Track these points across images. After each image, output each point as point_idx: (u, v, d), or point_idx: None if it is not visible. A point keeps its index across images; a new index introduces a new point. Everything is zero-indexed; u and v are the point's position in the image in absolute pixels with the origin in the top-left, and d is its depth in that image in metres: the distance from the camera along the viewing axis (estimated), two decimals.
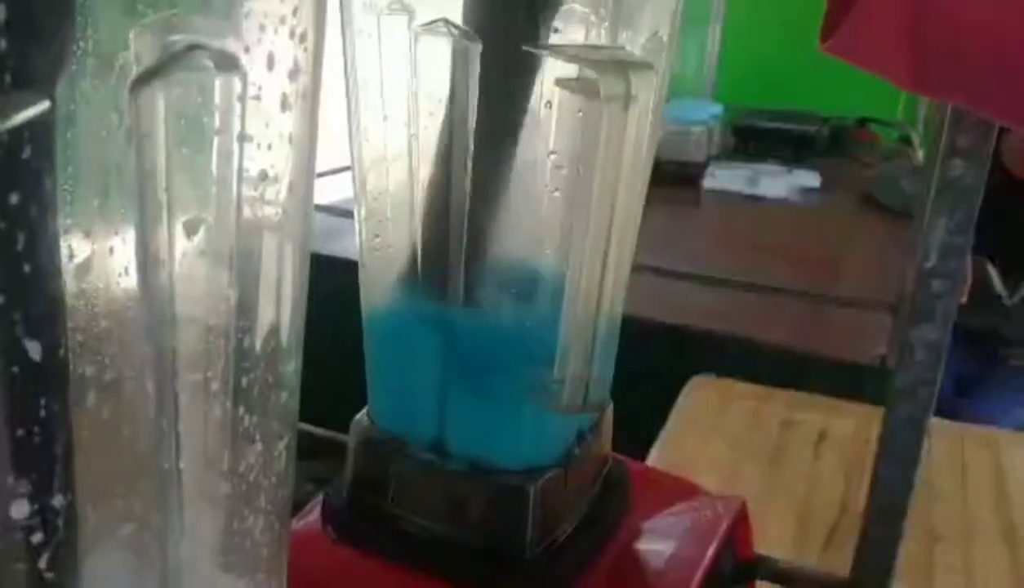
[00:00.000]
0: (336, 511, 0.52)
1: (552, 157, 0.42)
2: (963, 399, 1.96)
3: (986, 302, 1.95)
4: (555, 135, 0.42)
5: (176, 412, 0.25)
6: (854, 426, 1.20)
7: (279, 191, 0.26)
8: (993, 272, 1.97)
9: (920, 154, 2.94)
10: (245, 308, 0.26)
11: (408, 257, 0.47)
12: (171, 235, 0.23)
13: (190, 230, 0.24)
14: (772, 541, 0.94)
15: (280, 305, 0.28)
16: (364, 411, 0.53)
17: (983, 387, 2.03)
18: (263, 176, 0.26)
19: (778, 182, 2.28)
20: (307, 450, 0.88)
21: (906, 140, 3.08)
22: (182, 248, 0.24)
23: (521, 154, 0.43)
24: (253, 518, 0.29)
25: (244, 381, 0.27)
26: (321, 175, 1.19)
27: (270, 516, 0.30)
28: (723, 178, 2.31)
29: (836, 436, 1.18)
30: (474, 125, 0.43)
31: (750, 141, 2.76)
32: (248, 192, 0.25)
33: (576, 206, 0.41)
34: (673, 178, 2.22)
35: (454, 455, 0.49)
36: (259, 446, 0.28)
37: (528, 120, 0.42)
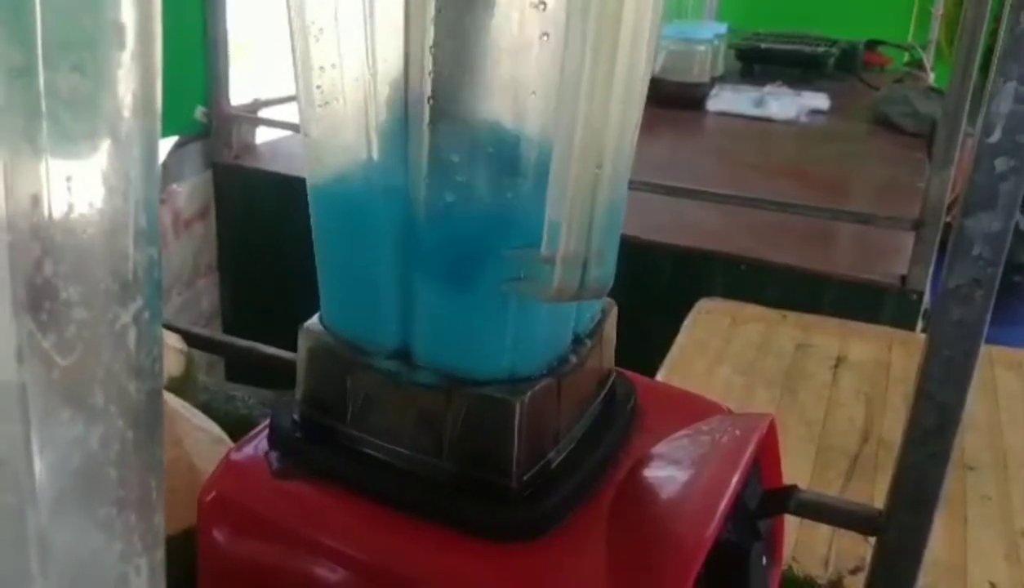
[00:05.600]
0: (284, 435, 0.43)
1: None
2: None
3: None
4: None
5: None
6: (874, 350, 1.11)
7: None
8: None
9: (931, 76, 2.83)
10: None
11: (361, 116, 0.37)
12: None
13: None
14: (790, 472, 0.86)
15: None
16: (316, 316, 0.44)
17: (997, 314, 1.94)
18: None
19: (786, 104, 2.18)
20: (269, 373, 0.79)
21: (917, 63, 2.97)
22: None
23: None
24: None
25: None
26: None
27: None
28: (728, 99, 2.20)
29: (855, 360, 1.09)
30: None
31: (755, 63, 2.66)
32: None
33: (571, 44, 0.32)
34: (676, 100, 2.11)
35: (422, 364, 0.40)
36: None
37: None
